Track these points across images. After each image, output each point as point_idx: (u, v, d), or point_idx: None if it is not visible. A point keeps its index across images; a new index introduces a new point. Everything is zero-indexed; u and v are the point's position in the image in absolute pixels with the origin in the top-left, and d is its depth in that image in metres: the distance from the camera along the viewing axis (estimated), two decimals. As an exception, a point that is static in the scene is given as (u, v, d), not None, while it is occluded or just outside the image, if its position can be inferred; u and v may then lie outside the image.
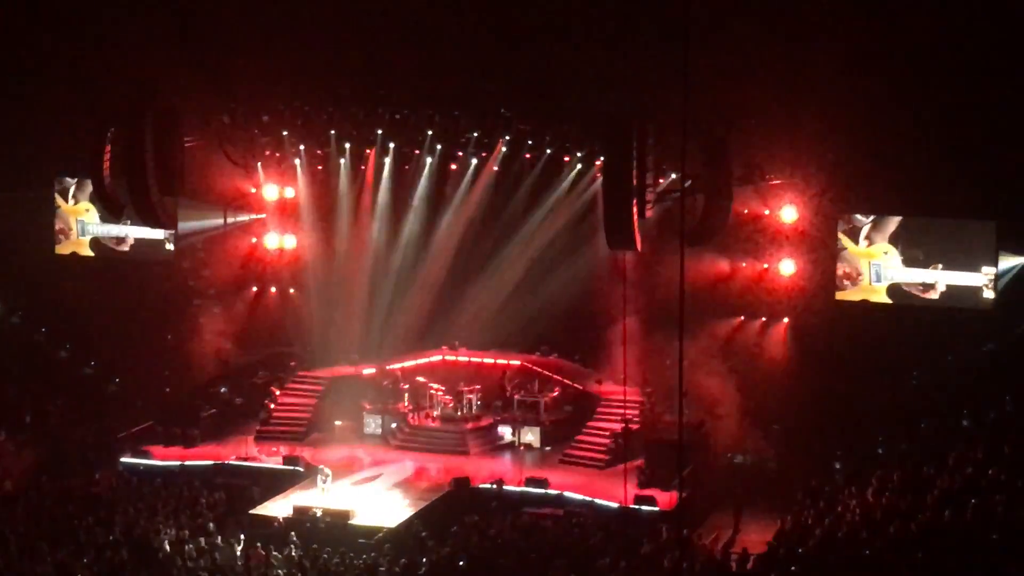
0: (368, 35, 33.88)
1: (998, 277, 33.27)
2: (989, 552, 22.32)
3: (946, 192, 32.87)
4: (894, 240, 34.26)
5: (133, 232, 39.80)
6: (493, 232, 38.70)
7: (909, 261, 34.20)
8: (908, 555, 22.89)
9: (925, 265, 33.99)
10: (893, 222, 34.33)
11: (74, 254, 40.84)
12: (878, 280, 34.47)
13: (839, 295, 34.98)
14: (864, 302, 34.69)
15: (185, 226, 37.91)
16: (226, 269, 40.69)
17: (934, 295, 33.94)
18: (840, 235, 34.77)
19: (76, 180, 40.14)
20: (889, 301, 34.49)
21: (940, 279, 33.76)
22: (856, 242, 34.58)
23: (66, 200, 40.54)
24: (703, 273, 35.25)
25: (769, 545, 26.28)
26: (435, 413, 36.99)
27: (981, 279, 33.39)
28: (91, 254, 40.76)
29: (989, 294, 33.35)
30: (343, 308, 39.60)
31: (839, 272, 34.85)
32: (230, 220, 39.56)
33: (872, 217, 34.53)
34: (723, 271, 36.19)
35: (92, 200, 39.23)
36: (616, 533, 28.47)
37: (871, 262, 34.53)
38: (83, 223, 40.57)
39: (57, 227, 40.78)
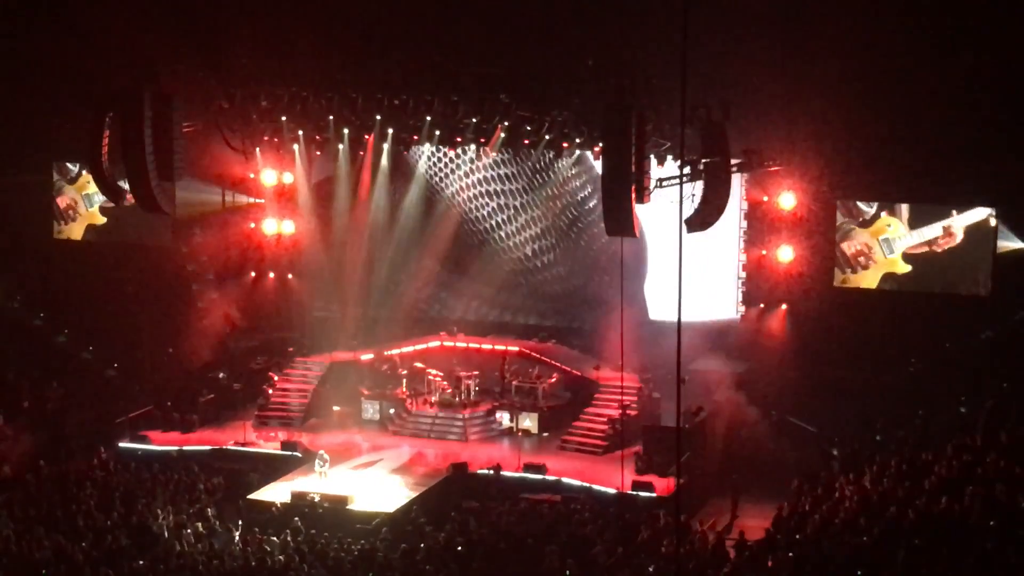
0: (367, 20, 33.84)
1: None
2: (986, 539, 22.39)
3: (944, 178, 32.90)
4: (909, 221, 34.36)
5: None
6: (491, 218, 38.67)
7: (915, 225, 34.32)
8: (905, 542, 22.96)
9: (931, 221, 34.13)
10: (904, 207, 34.41)
11: (90, 226, 41.10)
12: (891, 252, 34.51)
13: (858, 278, 35.00)
14: (889, 275, 34.80)
15: (183, 207, 38.00)
16: (224, 254, 40.65)
17: (955, 242, 33.91)
18: (851, 224, 34.72)
19: (79, 165, 40.24)
20: (909, 268, 34.53)
21: (957, 223, 33.75)
22: (867, 225, 34.58)
23: (72, 181, 40.69)
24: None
25: (767, 531, 26.34)
26: (433, 399, 36.99)
27: (984, 211, 33.57)
28: (104, 220, 40.89)
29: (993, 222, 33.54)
30: (341, 293, 39.60)
31: (851, 251, 34.84)
32: (228, 200, 39.60)
33: (876, 205, 34.54)
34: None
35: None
36: (614, 519, 28.51)
37: (880, 237, 34.56)
38: (89, 196, 40.68)
39: (64, 205, 40.96)
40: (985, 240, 33.59)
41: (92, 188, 40.20)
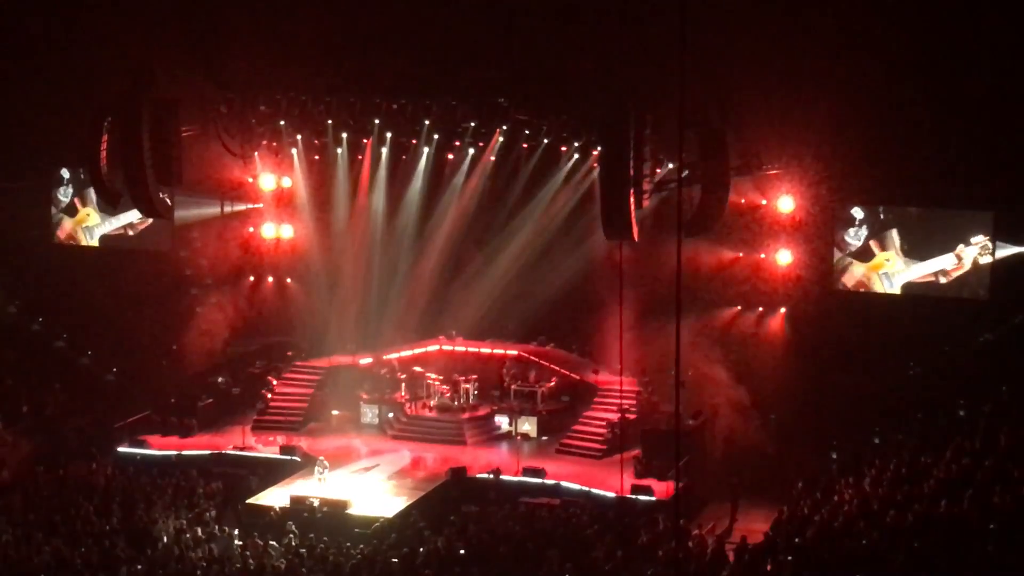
0: (365, 24, 33.87)
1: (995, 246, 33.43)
2: (986, 542, 22.39)
3: (944, 182, 32.92)
4: (902, 248, 34.31)
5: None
6: (490, 222, 38.67)
7: (913, 259, 34.26)
8: (905, 545, 22.95)
9: (928, 256, 34.07)
10: (894, 233, 34.37)
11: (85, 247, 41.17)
12: (891, 286, 34.54)
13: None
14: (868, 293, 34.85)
15: (182, 215, 38.00)
16: (223, 259, 40.66)
17: (962, 269, 33.88)
18: (848, 258, 34.75)
19: (71, 194, 40.32)
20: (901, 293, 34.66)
21: (967, 253, 33.78)
22: (863, 259, 34.61)
23: (70, 213, 40.62)
24: (700, 263, 35.28)
25: (766, 535, 26.33)
26: (432, 403, 37.00)
27: (974, 251, 33.53)
28: (97, 245, 41.03)
29: (987, 259, 33.43)
30: (340, 298, 39.57)
31: (851, 283, 34.86)
32: (227, 209, 39.63)
33: (867, 234, 34.48)
34: (720, 261, 36.17)
35: (93, 198, 39.27)
36: (613, 523, 28.50)
37: (879, 272, 34.58)
38: (89, 229, 40.70)
39: (64, 236, 40.88)
40: (985, 271, 33.63)
41: (91, 221, 40.45)
